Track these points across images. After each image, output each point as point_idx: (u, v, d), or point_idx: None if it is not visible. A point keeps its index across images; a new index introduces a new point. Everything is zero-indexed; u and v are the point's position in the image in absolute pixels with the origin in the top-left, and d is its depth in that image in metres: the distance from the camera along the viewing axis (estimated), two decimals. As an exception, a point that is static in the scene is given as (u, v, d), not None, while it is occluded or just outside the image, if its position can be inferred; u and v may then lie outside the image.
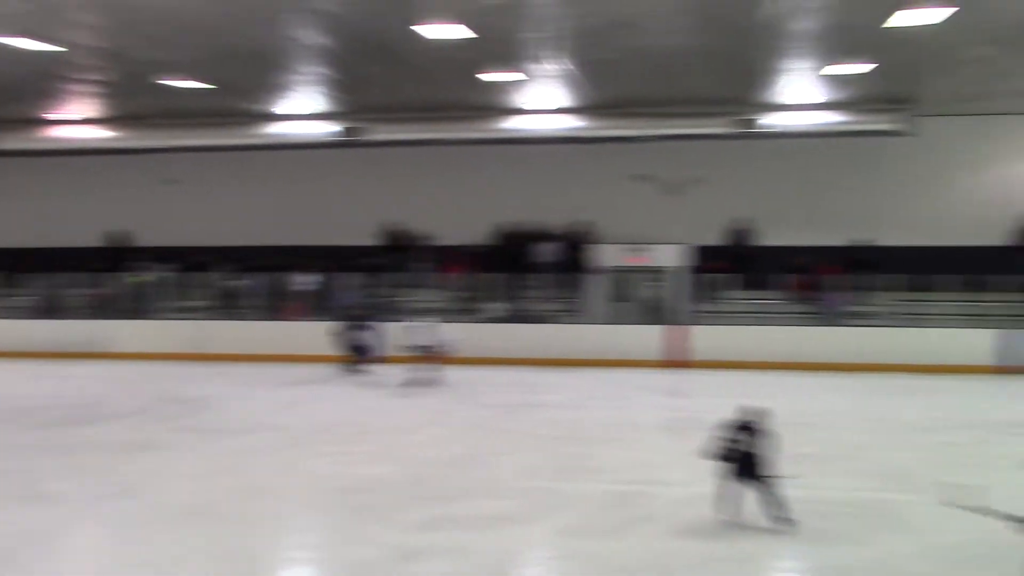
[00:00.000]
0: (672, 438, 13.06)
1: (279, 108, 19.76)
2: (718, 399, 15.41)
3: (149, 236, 23.18)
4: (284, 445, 12.68)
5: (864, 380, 17.48)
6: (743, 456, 8.81)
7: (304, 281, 20.93)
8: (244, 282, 21.15)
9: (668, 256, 20.53)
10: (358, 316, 18.21)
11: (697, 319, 19.73)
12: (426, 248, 21.90)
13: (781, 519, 8.81)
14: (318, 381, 17.34)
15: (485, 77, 15.95)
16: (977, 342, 18.31)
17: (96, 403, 15.59)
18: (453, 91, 17.66)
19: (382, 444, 12.71)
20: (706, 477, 9.44)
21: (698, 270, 20.49)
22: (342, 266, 21.03)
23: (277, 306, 20.70)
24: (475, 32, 12.34)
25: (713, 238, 21.45)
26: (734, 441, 8.84)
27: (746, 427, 8.90)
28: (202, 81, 16.30)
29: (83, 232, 23.23)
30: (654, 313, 20.15)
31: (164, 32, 12.63)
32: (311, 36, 13.18)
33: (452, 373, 17.76)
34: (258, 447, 12.63)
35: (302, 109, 19.88)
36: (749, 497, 8.96)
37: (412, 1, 11.14)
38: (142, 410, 14.94)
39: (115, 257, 22.84)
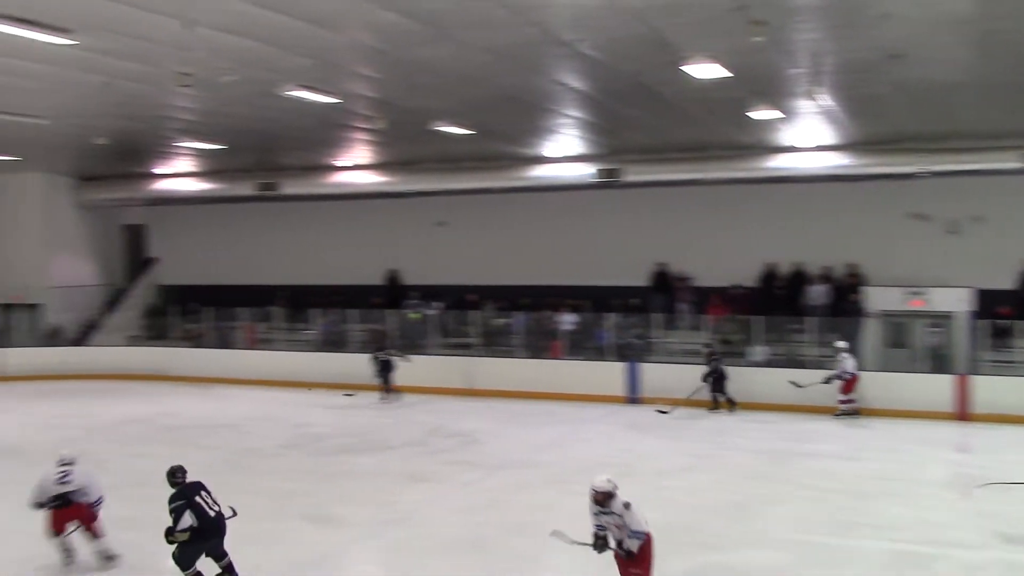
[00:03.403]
0: (959, 496, 12.10)
1: (541, 151, 20.30)
2: (1007, 456, 14.27)
3: (421, 275, 24.35)
4: (545, 483, 12.84)
5: None
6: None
7: (566, 320, 21.23)
8: (509, 320, 21.76)
9: (949, 300, 19.17)
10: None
11: (980, 368, 18.26)
12: (688, 289, 21.64)
13: None
14: (581, 420, 17.46)
15: (752, 115, 15.61)
16: None
17: (373, 433, 16.47)
18: (715, 130, 17.45)
19: (645, 487, 12.56)
20: (1000, 542, 8.61)
21: (981, 315, 18.99)
22: (603, 306, 21.19)
23: (541, 344, 21.13)
24: (732, 71, 12.08)
25: (997, 281, 19.79)
26: None
27: None
28: (465, 127, 16.99)
29: (361, 271, 24.76)
30: (936, 361, 18.83)
31: (432, 82, 13.25)
32: (572, 81, 13.43)
33: (714, 417, 17.49)
34: (522, 483, 12.87)
35: (562, 152, 20.33)
36: None
37: (674, 44, 11.09)
38: (415, 442, 15.62)
39: (391, 295, 24.18)
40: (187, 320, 24.86)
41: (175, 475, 8.87)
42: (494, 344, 21.67)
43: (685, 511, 11.27)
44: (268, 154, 21.78)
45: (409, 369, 19.50)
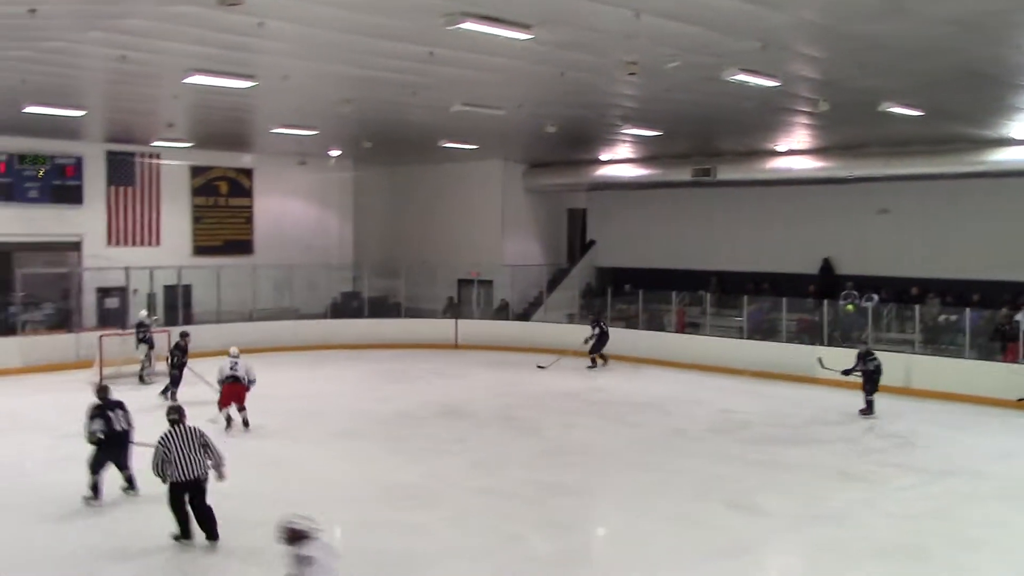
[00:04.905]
0: None
1: (1004, 132, 18.38)
2: None
3: (858, 264, 23.22)
4: (997, 496, 11.67)
5: None
6: None
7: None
8: (956, 317, 20.01)
9: None
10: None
11: None
12: None
13: None
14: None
15: None
16: None
17: (801, 426, 15.99)
18: None
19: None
20: None
21: None
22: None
23: (993, 345, 19.16)
24: None
25: None
26: None
27: None
28: (915, 107, 15.78)
29: (795, 259, 24.15)
30: None
31: (882, 59, 12.44)
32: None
33: None
34: (966, 493, 11.83)
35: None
36: None
37: None
38: (846, 439, 14.92)
39: (825, 284, 23.33)
40: (621, 301, 25.81)
41: (100, 391, 11.18)
42: (938, 342, 20.05)
43: None
44: (705, 139, 21.95)
45: (842, 364, 18.64)
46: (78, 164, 24.17)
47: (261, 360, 22.30)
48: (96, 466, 10.77)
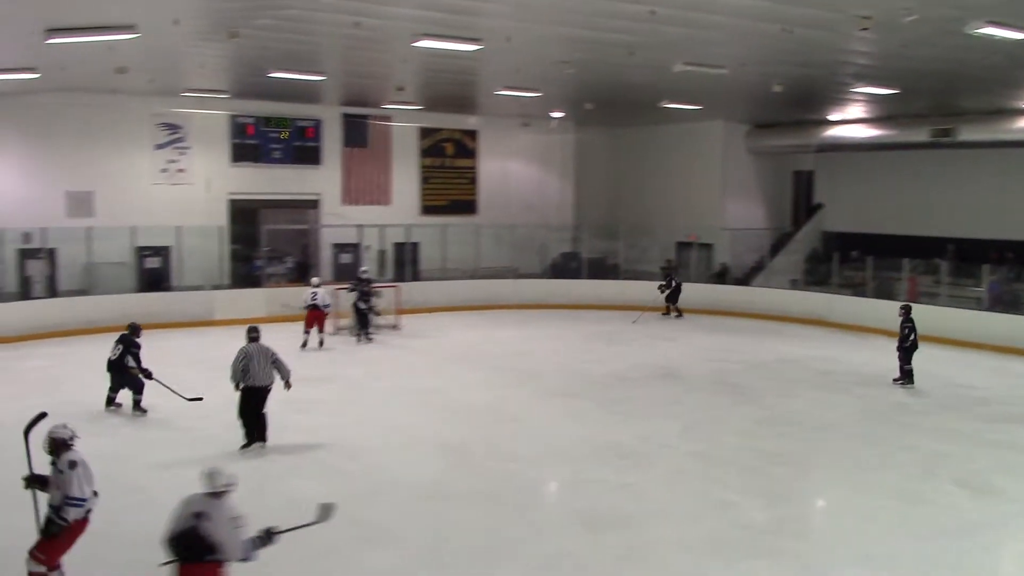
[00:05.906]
0: None
1: None
2: None
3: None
4: None
5: None
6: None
7: None
8: None
9: None
10: None
11: None
12: None
13: None
14: None
15: None
16: None
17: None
18: None
19: None
20: None
21: None
22: None
23: None
24: None
25: None
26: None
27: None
28: None
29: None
30: None
31: None
32: None
33: None
34: None
35: None
36: None
37: None
38: (1095, 421, 13.81)
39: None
40: (848, 267, 24.76)
41: (129, 326, 13.01)
42: None
43: None
44: (945, 97, 20.62)
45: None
46: (317, 126, 25.65)
47: (483, 316, 23.26)
48: (112, 387, 13.05)
